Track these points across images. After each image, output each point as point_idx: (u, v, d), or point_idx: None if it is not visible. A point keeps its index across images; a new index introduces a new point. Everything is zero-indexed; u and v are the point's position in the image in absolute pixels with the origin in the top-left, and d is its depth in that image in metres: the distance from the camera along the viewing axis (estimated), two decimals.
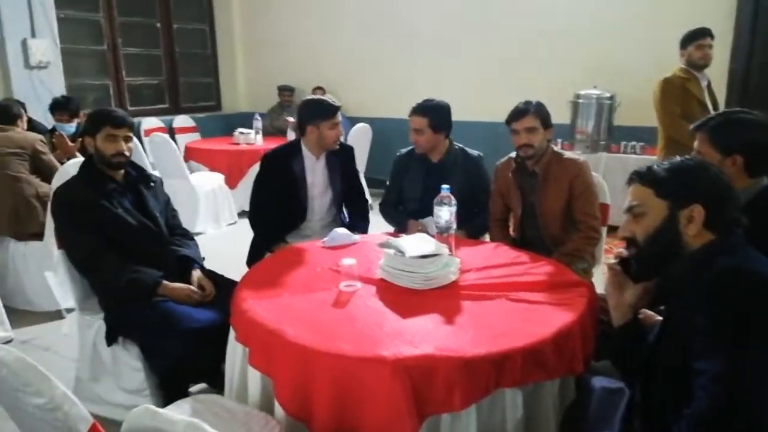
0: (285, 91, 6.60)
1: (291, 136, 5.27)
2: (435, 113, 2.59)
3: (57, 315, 3.31)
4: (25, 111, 3.94)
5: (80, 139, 3.46)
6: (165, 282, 2.12)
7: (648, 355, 1.24)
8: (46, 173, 3.43)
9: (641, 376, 1.26)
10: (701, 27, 3.64)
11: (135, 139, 4.79)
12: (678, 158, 1.25)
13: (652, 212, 1.22)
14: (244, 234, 3.02)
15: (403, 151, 2.80)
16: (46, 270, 3.28)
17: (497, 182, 2.57)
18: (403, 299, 1.78)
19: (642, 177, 1.25)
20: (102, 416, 2.23)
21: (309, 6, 6.73)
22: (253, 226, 2.82)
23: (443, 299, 1.77)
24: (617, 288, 1.38)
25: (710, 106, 3.62)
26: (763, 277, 1.05)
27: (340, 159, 2.84)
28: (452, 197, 2.04)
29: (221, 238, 4.89)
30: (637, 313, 1.38)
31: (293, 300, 1.78)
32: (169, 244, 2.30)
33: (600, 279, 2.65)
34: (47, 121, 4.60)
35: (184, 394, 2.15)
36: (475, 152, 2.73)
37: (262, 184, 2.77)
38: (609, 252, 4.09)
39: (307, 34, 6.80)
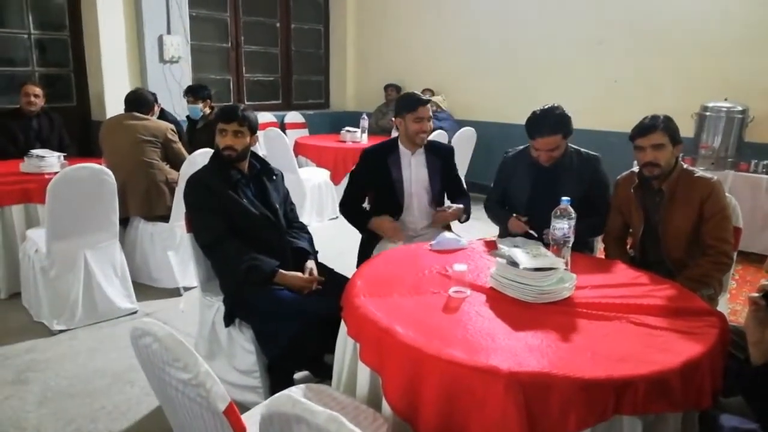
0: (390, 87, 6.69)
1: (396, 134, 5.33)
2: (565, 126, 2.43)
3: (176, 292, 3.58)
4: (157, 102, 4.30)
5: None
6: (281, 271, 2.23)
7: None
8: (174, 161, 3.72)
9: None
10: None
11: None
12: None
13: None
14: (344, 229, 3.11)
15: (511, 151, 2.72)
16: (169, 250, 3.56)
17: (617, 198, 2.43)
18: (514, 311, 1.74)
19: None
20: None
21: (421, 10, 6.78)
22: (344, 213, 2.91)
23: (557, 315, 1.71)
24: (760, 324, 1.26)
25: None
26: None
27: (441, 158, 2.85)
28: (571, 210, 1.97)
29: (323, 231, 5.06)
30: None
31: (403, 300, 1.80)
32: (286, 234, 2.41)
33: (725, 307, 2.45)
34: (175, 112, 4.99)
35: (289, 379, 2.25)
36: (593, 153, 2.58)
37: (357, 176, 2.87)
38: (733, 279, 3.79)
39: (418, 37, 6.85)
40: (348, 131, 5.88)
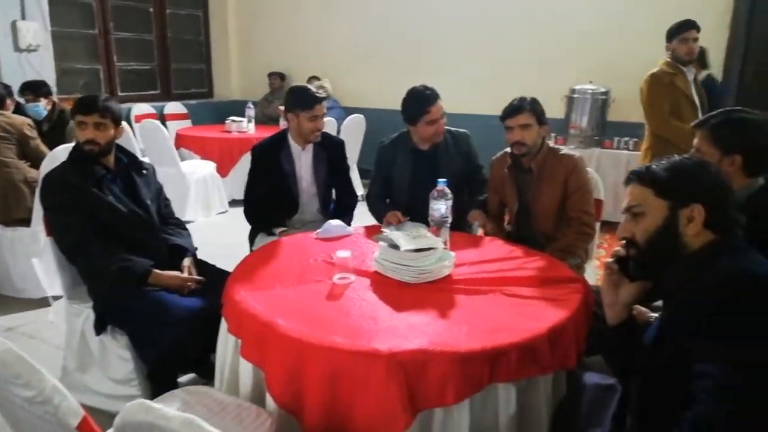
0: (274, 76, 6.54)
1: (284, 124, 5.21)
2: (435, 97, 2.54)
3: (43, 302, 3.26)
4: (11, 95, 3.84)
5: None
6: (156, 270, 2.09)
7: (645, 355, 1.24)
8: (34, 158, 3.37)
9: (637, 376, 1.26)
10: (686, 19, 3.48)
11: (125, 125, 4.78)
12: (677, 157, 1.24)
13: (652, 212, 1.21)
14: (234, 223, 3.00)
15: (386, 140, 2.73)
16: (33, 256, 3.23)
17: (492, 178, 2.55)
18: (397, 293, 1.77)
19: (641, 177, 1.23)
20: (89, 406, 2.20)
21: None
22: (249, 219, 2.80)
23: (437, 293, 1.77)
24: (613, 287, 1.37)
25: (698, 102, 3.49)
26: (765, 280, 1.04)
27: (329, 153, 2.79)
28: (448, 191, 2.02)
29: (211, 226, 4.85)
30: (631, 312, 1.38)
31: (286, 291, 1.76)
32: (160, 232, 2.27)
33: (592, 274, 2.66)
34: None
35: (173, 384, 2.14)
36: (462, 130, 2.68)
37: (254, 178, 2.76)
38: (601, 248, 4.12)
39: (305, 21, 6.73)
40: (233, 121, 5.67)
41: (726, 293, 1.03)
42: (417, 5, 6.01)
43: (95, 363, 2.18)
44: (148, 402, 0.77)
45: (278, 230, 2.66)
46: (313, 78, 6.37)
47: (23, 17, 4.85)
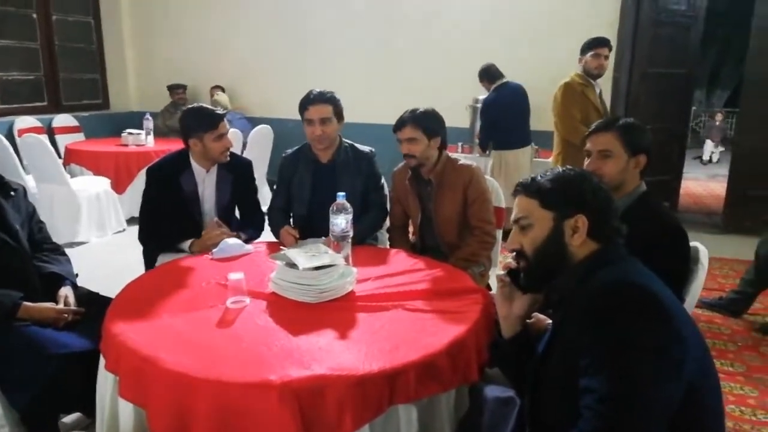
0: (177, 89, 6.26)
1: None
2: (333, 101, 2.44)
3: None
4: None
5: None
6: (26, 303, 1.88)
7: (535, 366, 1.23)
8: None
9: (530, 388, 1.25)
10: (600, 36, 3.74)
11: (3, 140, 4.35)
12: (560, 168, 1.26)
13: (539, 223, 1.21)
14: (133, 242, 2.77)
15: (290, 151, 2.64)
16: None
17: (395, 189, 2.53)
18: (295, 315, 1.69)
19: (527, 188, 1.24)
20: None
21: (206, 4, 6.44)
22: (144, 243, 2.60)
23: (338, 312, 1.70)
24: (506, 299, 1.37)
25: (603, 113, 3.74)
26: (642, 290, 1.06)
27: (235, 173, 2.64)
28: (348, 205, 1.97)
29: (107, 246, 4.53)
30: (525, 324, 1.38)
31: (173, 320, 1.63)
32: (32, 260, 2.04)
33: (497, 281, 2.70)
34: None
35: (53, 427, 1.92)
36: (366, 148, 2.61)
37: (150, 201, 2.56)
38: (505, 252, 4.24)
39: (205, 29, 6.51)
40: (130, 134, 5.33)
41: (601, 305, 1.04)
42: (318, 12, 5.97)
43: None
44: None
45: (185, 244, 2.46)
46: (216, 87, 6.16)
47: None
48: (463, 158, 2.43)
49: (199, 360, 1.39)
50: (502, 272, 1.39)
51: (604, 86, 4.65)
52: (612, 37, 4.86)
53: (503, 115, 4.36)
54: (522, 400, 1.32)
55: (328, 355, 1.44)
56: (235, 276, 1.74)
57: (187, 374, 1.34)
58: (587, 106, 3.65)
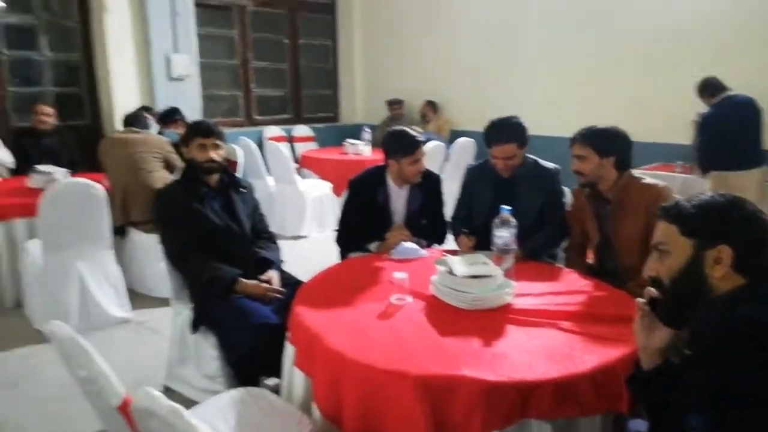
0: (394, 104, 6.80)
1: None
2: (520, 136, 2.46)
3: (168, 302, 3.70)
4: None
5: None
6: (242, 279, 2.32)
7: (673, 400, 1.15)
8: (172, 170, 3.89)
9: (668, 422, 1.16)
10: None
11: (252, 145, 5.27)
12: (709, 194, 1.15)
13: (676, 251, 1.13)
14: None
15: (474, 163, 2.73)
16: (163, 261, 3.69)
17: (574, 206, 2.47)
18: (448, 317, 1.79)
19: (667, 212, 1.16)
20: (186, 397, 2.48)
21: (424, 23, 6.89)
22: (340, 245, 2.88)
23: (489, 321, 1.76)
24: (646, 329, 1.28)
25: None
26: None
27: (425, 189, 2.79)
28: (512, 219, 2.01)
29: (324, 242, 5.14)
30: (664, 356, 1.27)
31: (343, 307, 1.87)
32: (252, 245, 2.50)
33: None
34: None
35: (255, 384, 2.32)
36: (551, 165, 2.58)
37: (349, 210, 2.82)
38: None
39: (422, 49, 6.95)
40: (350, 143, 5.98)
41: (730, 341, 0.94)
42: (539, 32, 5.91)
43: (191, 358, 2.44)
44: (152, 391, 0.91)
45: (372, 245, 2.72)
46: (428, 103, 6.53)
47: (175, 50, 5.59)
48: (650, 177, 2.26)
49: (354, 343, 1.59)
50: (642, 300, 1.30)
51: None
52: None
53: (725, 132, 3.85)
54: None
55: (467, 358, 1.51)
56: (400, 275, 1.91)
57: (343, 354, 1.54)
58: None
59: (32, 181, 3.87)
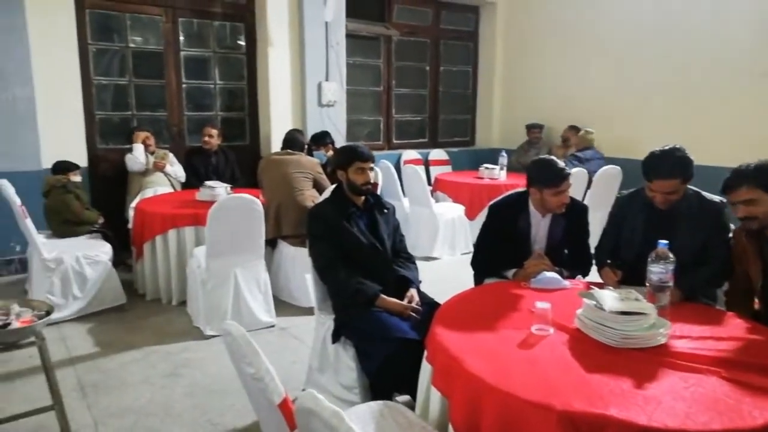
0: (533, 128, 6.67)
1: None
2: (686, 170, 2.26)
3: (310, 311, 3.94)
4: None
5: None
6: (383, 296, 2.42)
7: None
8: (321, 190, 4.17)
9: None
10: None
11: (391, 168, 5.47)
12: None
13: None
14: None
15: (626, 192, 2.57)
16: (307, 273, 3.94)
17: (735, 246, 2.24)
18: (594, 354, 1.72)
19: None
20: None
21: (564, 48, 6.73)
22: (475, 269, 2.88)
23: (641, 362, 1.65)
24: None
25: None
26: None
27: (570, 218, 2.70)
28: (670, 254, 1.87)
29: (454, 264, 5.17)
30: None
31: (483, 332, 1.87)
32: (392, 263, 2.60)
33: None
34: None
35: (388, 398, 2.39)
36: (717, 198, 2.35)
37: (487, 233, 2.81)
38: None
39: (562, 74, 6.78)
40: (486, 168, 5.97)
41: None
42: (685, 53, 5.51)
43: (331, 367, 2.58)
44: (315, 393, 0.99)
45: (510, 272, 2.68)
46: (571, 128, 6.31)
47: (327, 79, 6.00)
48: None
49: (494, 369, 1.58)
50: None
51: None
52: None
53: None
54: None
55: (616, 398, 1.44)
56: (542, 305, 1.87)
57: (483, 379, 1.54)
58: None
59: (200, 194, 4.36)
